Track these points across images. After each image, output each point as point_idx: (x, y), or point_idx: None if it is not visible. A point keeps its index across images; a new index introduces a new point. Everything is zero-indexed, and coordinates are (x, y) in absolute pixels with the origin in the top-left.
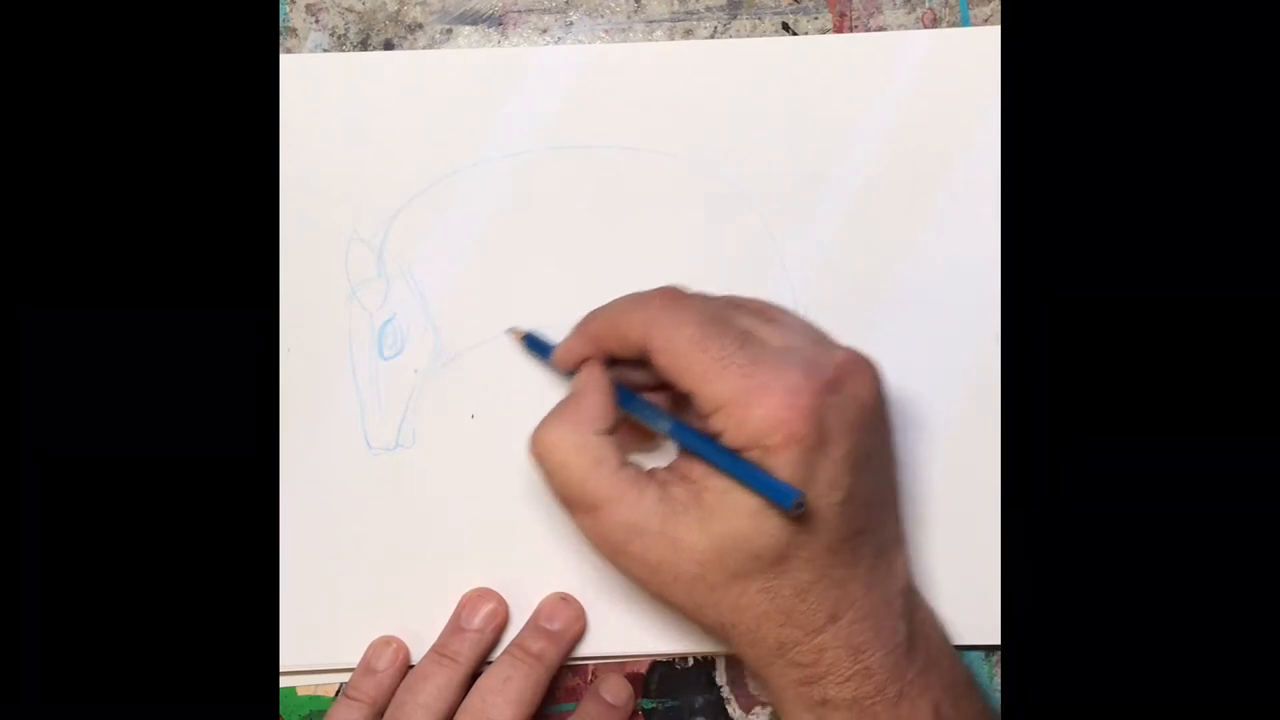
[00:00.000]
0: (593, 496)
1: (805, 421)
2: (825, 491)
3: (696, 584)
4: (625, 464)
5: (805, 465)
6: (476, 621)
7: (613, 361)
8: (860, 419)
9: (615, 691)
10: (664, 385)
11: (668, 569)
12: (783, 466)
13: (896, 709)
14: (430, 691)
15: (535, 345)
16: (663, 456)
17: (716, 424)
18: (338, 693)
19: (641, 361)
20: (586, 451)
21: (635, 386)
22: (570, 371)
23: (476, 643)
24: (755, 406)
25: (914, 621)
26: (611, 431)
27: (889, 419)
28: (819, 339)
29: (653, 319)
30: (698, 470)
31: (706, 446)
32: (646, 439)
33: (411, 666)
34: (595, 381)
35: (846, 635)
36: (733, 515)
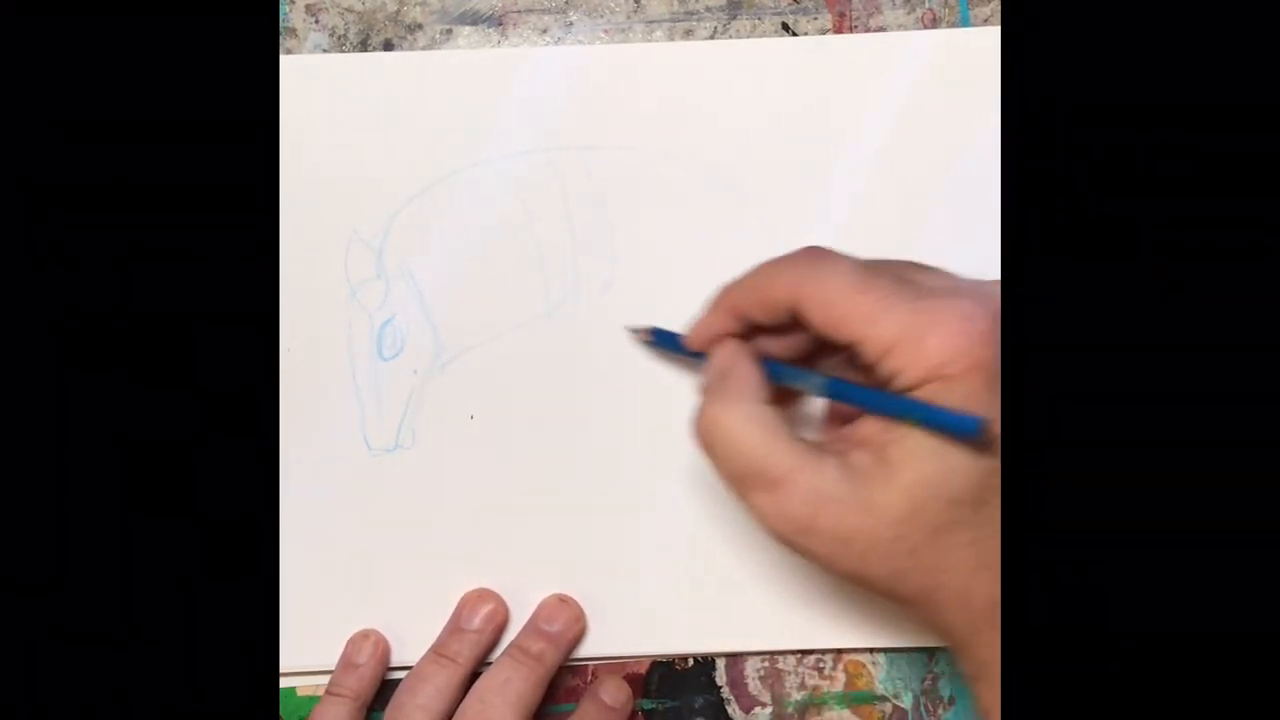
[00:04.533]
0: (773, 470)
1: (985, 346)
2: None
3: (895, 548)
4: (797, 436)
5: (990, 392)
6: (476, 622)
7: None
8: None
9: (614, 693)
10: (802, 356)
11: (862, 538)
12: (967, 396)
13: None
14: (429, 692)
15: (663, 338)
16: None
17: (888, 366)
18: None
19: (779, 329)
20: (760, 423)
21: (769, 357)
22: (702, 354)
23: (476, 643)
24: (930, 336)
25: None
26: (773, 403)
27: None
28: (974, 280)
29: (802, 275)
30: (871, 429)
31: (872, 396)
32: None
33: (392, 660)
34: (742, 354)
35: None
36: (918, 461)
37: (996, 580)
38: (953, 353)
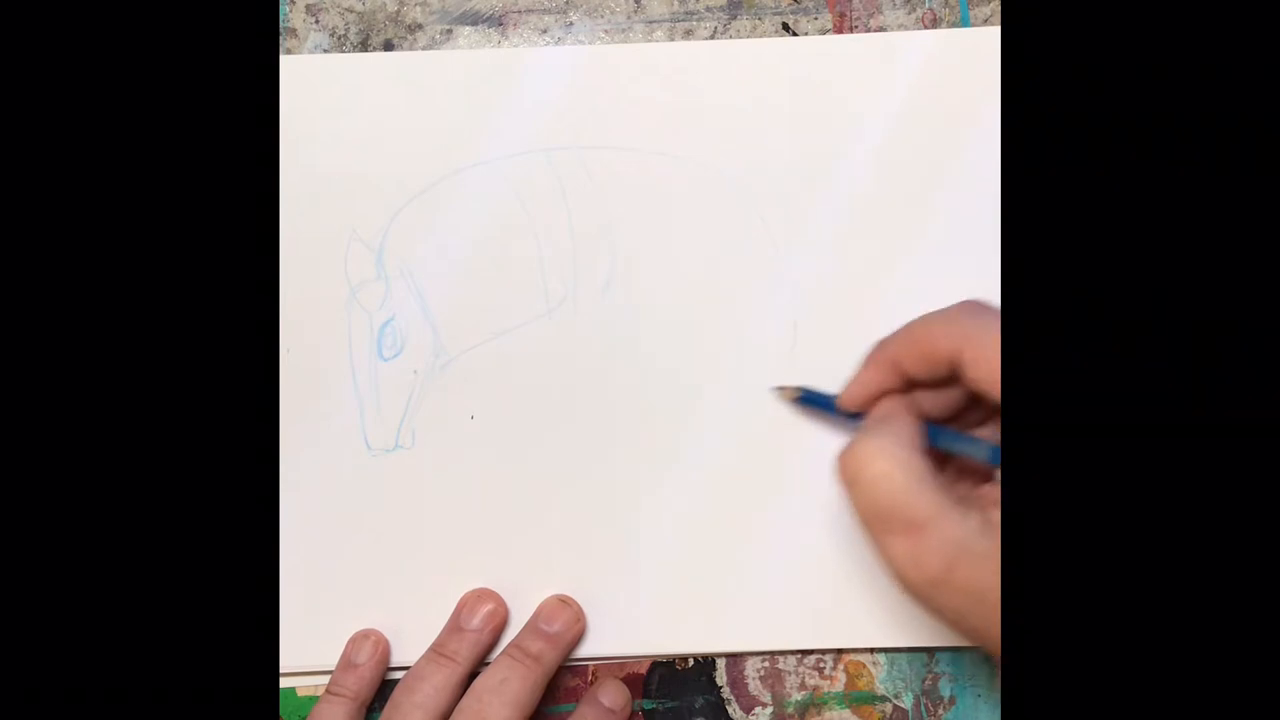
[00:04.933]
0: (916, 514)
1: None
2: None
3: None
4: (942, 486)
5: None
6: (475, 622)
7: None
8: None
9: (613, 696)
10: (954, 413)
11: (996, 596)
12: None
13: None
14: (427, 691)
15: (812, 399)
16: None
17: None
18: None
19: (933, 384)
20: (908, 467)
21: (926, 418)
22: (858, 415)
23: (475, 643)
24: None
25: None
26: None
27: None
28: None
29: (964, 330)
30: None
31: None
32: None
33: (392, 660)
34: (900, 406)
35: None
36: None
37: None
38: None
